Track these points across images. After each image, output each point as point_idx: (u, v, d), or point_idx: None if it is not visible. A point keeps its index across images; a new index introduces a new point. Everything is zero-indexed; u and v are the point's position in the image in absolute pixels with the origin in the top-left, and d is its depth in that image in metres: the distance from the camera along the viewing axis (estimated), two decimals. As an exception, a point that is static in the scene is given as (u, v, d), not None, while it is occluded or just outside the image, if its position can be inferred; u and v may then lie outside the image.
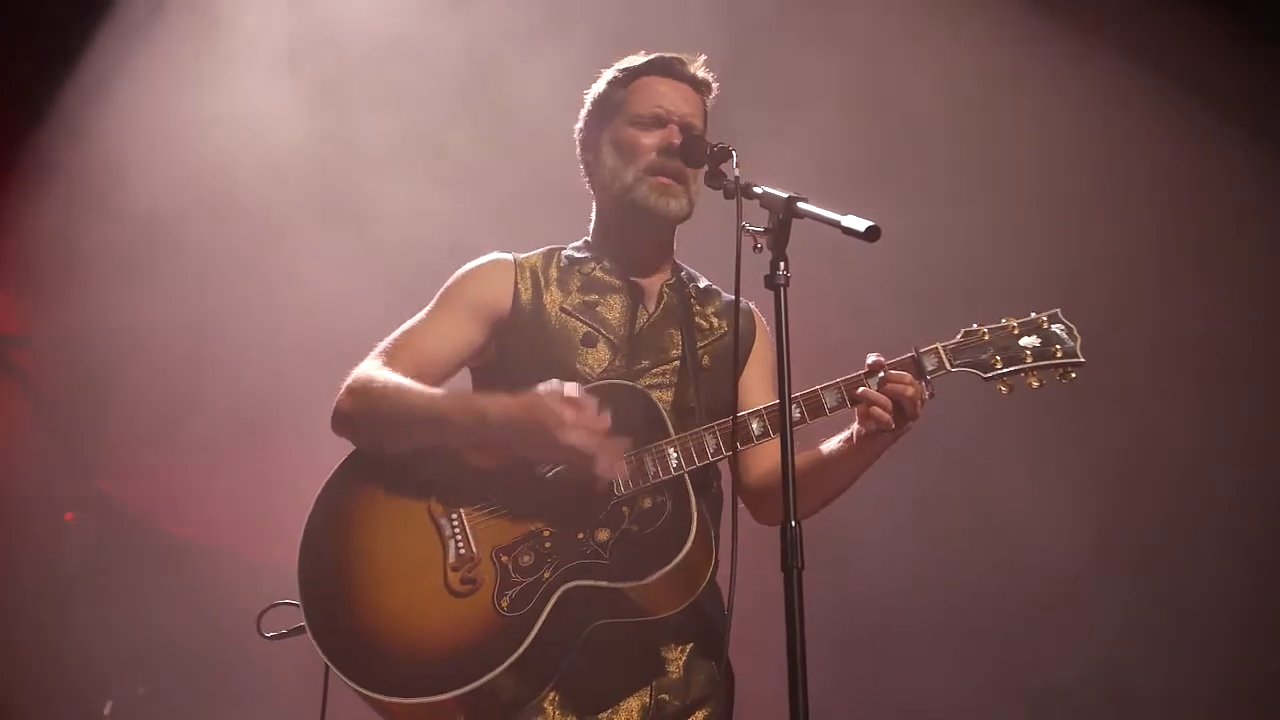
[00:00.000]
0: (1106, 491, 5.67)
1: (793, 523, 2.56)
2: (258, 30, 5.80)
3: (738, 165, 2.97)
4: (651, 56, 3.41)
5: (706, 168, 3.12)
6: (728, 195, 2.95)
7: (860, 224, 2.69)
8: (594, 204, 3.48)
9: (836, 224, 2.73)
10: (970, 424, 5.14)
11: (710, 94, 3.44)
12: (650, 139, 3.30)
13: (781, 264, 2.75)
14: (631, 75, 3.40)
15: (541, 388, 3.00)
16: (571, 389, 3.00)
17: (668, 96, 3.35)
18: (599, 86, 3.45)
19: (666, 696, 3.11)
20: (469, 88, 5.79)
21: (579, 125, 3.47)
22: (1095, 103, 5.79)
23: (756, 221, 2.82)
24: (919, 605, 5.76)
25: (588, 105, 3.46)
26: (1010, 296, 3.32)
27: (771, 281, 2.75)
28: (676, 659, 3.14)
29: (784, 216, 2.77)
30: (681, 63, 3.40)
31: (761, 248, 2.79)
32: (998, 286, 5.39)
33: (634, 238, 3.39)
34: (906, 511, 5.65)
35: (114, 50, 5.77)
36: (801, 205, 2.78)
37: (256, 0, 5.82)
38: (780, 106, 5.62)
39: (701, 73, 3.42)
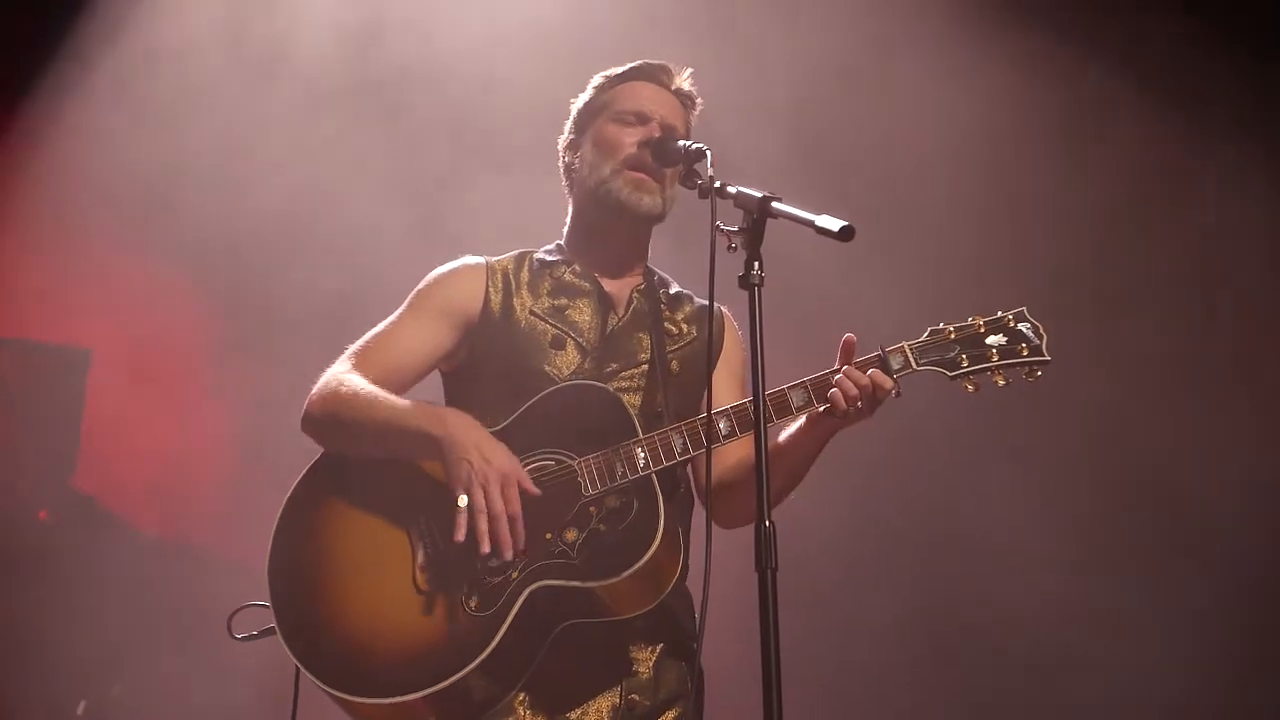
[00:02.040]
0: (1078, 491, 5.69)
1: (766, 523, 2.53)
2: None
3: (712, 165, 2.97)
4: (639, 63, 3.41)
5: (681, 168, 3.12)
6: (702, 195, 2.94)
7: (834, 224, 2.68)
8: (570, 207, 3.47)
9: (811, 224, 2.71)
10: (932, 419, 5.13)
11: (694, 109, 3.44)
12: (631, 135, 3.30)
13: (756, 264, 2.73)
14: (617, 79, 3.41)
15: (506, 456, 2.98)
16: (524, 477, 2.97)
17: (653, 99, 3.35)
18: (585, 94, 3.45)
19: (637, 696, 3.10)
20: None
21: (564, 133, 3.45)
22: (1086, 104, 5.81)
23: (731, 221, 2.80)
24: (889, 603, 5.75)
25: (573, 113, 3.45)
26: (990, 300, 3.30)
27: (746, 282, 2.72)
28: (646, 659, 3.13)
29: (758, 216, 2.76)
30: (668, 72, 3.40)
31: (736, 247, 2.77)
32: (977, 288, 5.39)
33: (608, 236, 3.37)
34: (881, 510, 5.65)
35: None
36: (776, 205, 2.76)
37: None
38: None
39: (687, 85, 3.42)
